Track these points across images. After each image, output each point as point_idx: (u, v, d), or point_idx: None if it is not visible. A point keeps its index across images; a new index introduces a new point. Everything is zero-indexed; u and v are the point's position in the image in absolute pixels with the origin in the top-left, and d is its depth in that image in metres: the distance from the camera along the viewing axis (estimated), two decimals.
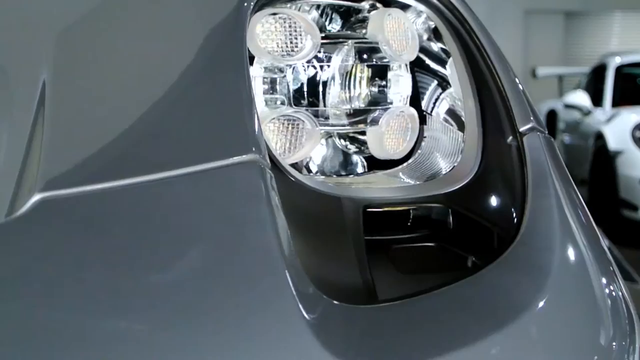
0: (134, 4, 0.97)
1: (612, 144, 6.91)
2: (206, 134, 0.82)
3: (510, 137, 0.98)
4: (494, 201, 0.95)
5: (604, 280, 0.89)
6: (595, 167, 7.28)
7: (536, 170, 0.94)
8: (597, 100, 7.94)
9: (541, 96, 10.87)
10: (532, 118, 0.99)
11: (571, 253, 0.88)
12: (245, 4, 0.92)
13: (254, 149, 0.81)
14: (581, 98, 8.03)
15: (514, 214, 0.92)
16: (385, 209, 0.94)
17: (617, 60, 8.29)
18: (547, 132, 1.01)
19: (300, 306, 0.73)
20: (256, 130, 0.83)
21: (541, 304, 0.82)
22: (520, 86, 1.02)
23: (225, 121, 0.83)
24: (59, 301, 0.69)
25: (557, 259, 0.86)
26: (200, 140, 0.81)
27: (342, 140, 1.03)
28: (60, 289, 0.69)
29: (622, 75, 8.11)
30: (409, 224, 0.98)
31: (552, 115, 9.14)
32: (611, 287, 0.89)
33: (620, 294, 0.90)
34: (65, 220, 0.73)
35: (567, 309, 0.84)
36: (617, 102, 7.77)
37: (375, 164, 1.04)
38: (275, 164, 0.89)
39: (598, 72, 8.44)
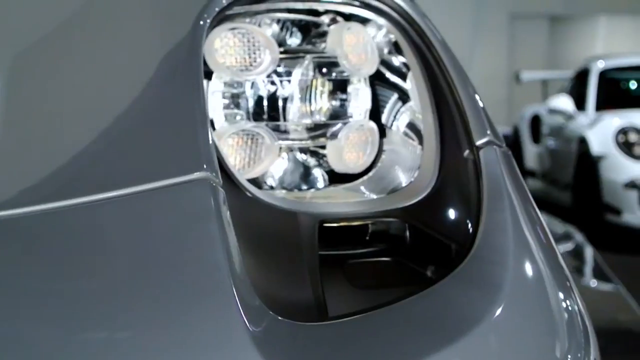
0: (91, 19, 0.96)
1: (596, 148, 6.93)
2: (158, 152, 0.82)
3: (467, 151, 0.98)
4: (450, 215, 0.95)
5: (558, 294, 0.89)
6: (579, 171, 7.30)
7: (491, 183, 0.94)
8: (580, 105, 7.97)
9: (525, 101, 10.90)
10: (488, 132, 0.99)
11: (525, 267, 0.88)
12: (202, 22, 0.92)
13: (205, 167, 0.81)
14: (564, 102, 8.05)
15: (470, 228, 0.92)
16: (342, 223, 0.94)
17: (600, 65, 8.32)
18: (505, 145, 1.01)
19: (246, 322, 0.73)
20: (208, 147, 0.83)
21: (493, 318, 0.82)
22: (478, 100, 1.02)
23: (177, 139, 0.83)
24: None
25: (510, 273, 0.86)
26: (151, 159, 0.81)
27: (303, 154, 1.03)
28: None
29: (605, 79, 8.14)
30: (367, 238, 0.98)
31: (536, 120, 9.16)
32: (567, 302, 0.90)
33: (576, 307, 0.90)
34: (8, 242, 0.72)
35: (520, 323, 0.85)
36: (601, 106, 7.79)
37: (336, 177, 1.04)
38: (232, 179, 0.89)
39: (581, 77, 8.46)
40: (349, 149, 1.01)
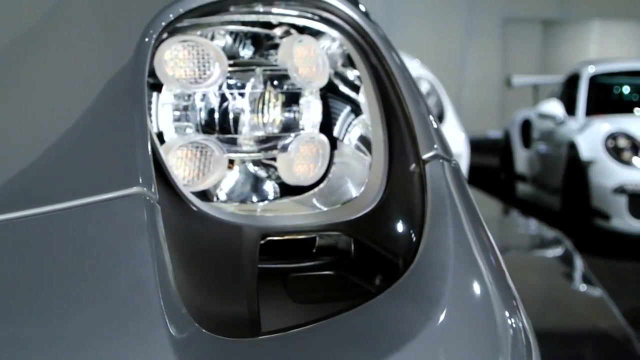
0: (36, 33, 0.96)
1: (585, 153, 6.95)
2: (95, 167, 0.82)
3: (414, 165, 0.98)
4: (394, 229, 0.95)
5: (501, 311, 0.89)
6: (568, 176, 7.32)
7: (436, 197, 0.95)
8: (571, 110, 7.98)
9: (518, 105, 10.92)
10: (436, 145, 0.99)
11: (465, 283, 0.88)
12: (147, 39, 0.91)
13: (140, 181, 0.81)
14: (554, 107, 8.07)
15: (413, 243, 0.92)
16: (286, 237, 0.94)
17: (591, 70, 8.34)
18: (452, 158, 1.02)
19: (170, 337, 0.73)
20: (146, 162, 0.83)
21: (427, 334, 0.82)
22: (427, 113, 1.03)
23: (115, 154, 0.83)
24: None
25: (449, 289, 0.86)
26: (88, 174, 0.81)
27: (254, 167, 1.03)
28: None
29: (595, 84, 8.16)
30: (312, 251, 0.98)
31: (526, 125, 9.18)
32: (511, 319, 0.90)
33: (520, 325, 0.90)
34: None
35: (457, 339, 0.84)
36: (591, 111, 7.82)
37: (288, 190, 1.04)
38: (177, 193, 0.89)
39: (572, 82, 8.48)
40: (299, 162, 1.01)
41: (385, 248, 0.94)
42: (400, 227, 0.95)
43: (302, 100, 1.03)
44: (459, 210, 0.95)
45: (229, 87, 1.00)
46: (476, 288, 0.89)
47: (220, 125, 1.00)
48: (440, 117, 4.55)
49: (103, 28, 0.95)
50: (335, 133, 1.06)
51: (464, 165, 4.53)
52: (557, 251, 5.79)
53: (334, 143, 1.05)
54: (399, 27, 15.51)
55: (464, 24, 15.77)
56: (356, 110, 1.06)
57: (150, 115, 0.96)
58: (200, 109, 0.99)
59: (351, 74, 1.07)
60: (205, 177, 0.97)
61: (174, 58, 0.96)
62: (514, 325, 0.90)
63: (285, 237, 0.95)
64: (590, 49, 16.18)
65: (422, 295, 0.86)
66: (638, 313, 4.81)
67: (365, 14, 1.07)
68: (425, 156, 0.99)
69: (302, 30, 1.05)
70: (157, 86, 0.97)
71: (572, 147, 7.21)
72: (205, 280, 0.86)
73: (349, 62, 1.06)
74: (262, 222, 0.93)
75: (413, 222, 0.94)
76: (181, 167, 0.96)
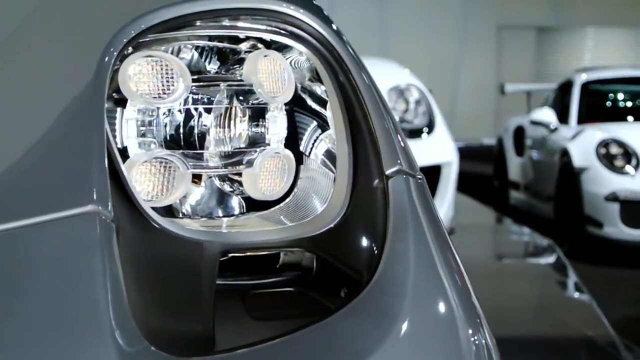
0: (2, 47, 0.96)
1: (577, 160, 6.95)
2: (50, 186, 0.81)
3: (377, 180, 0.98)
4: (356, 245, 0.95)
5: (463, 328, 0.89)
6: (561, 183, 7.32)
7: (398, 213, 0.94)
8: (563, 117, 7.99)
9: (512, 112, 10.93)
10: (399, 161, 0.99)
11: (425, 299, 0.88)
12: (107, 58, 0.91)
13: (95, 199, 0.80)
14: (547, 115, 8.08)
15: (374, 259, 0.92)
16: (247, 253, 0.94)
17: (583, 77, 8.35)
18: (418, 174, 1.01)
19: (119, 356, 0.72)
20: (103, 180, 0.83)
21: (385, 351, 0.82)
22: (393, 128, 1.02)
23: (70, 172, 0.82)
24: None
25: (408, 305, 0.86)
26: (42, 193, 0.81)
27: (220, 182, 1.03)
28: None
29: (588, 91, 8.17)
30: (274, 266, 0.98)
31: (519, 132, 9.18)
32: (474, 336, 0.89)
33: (483, 342, 0.90)
34: None
35: (415, 357, 0.84)
36: (584, 118, 7.82)
37: (254, 205, 1.03)
38: (137, 209, 0.89)
39: (565, 89, 8.49)
40: (264, 177, 1.01)
41: (346, 264, 0.94)
42: (362, 243, 0.95)
43: (268, 115, 1.03)
44: (422, 226, 0.95)
45: (194, 102, 1.00)
46: (437, 304, 0.89)
47: (185, 141, 0.99)
48: (429, 126, 4.55)
49: (66, 45, 0.95)
50: (302, 148, 1.06)
51: (453, 173, 4.52)
52: (547, 259, 5.79)
53: (300, 158, 1.05)
54: (393, 33, 15.53)
55: (458, 31, 15.79)
56: (323, 125, 1.06)
57: (114, 131, 0.96)
58: (165, 124, 0.98)
59: (319, 89, 1.07)
60: (170, 192, 0.96)
61: (138, 73, 0.95)
62: (476, 342, 0.89)
63: (246, 254, 0.94)
64: (585, 56, 16.21)
65: (380, 312, 0.85)
66: (628, 321, 4.81)
67: (334, 29, 1.06)
68: (388, 171, 0.98)
69: (269, 44, 1.05)
70: (122, 101, 0.96)
71: (565, 154, 7.21)
72: (161, 297, 0.85)
73: (317, 77, 1.06)
74: (223, 238, 0.93)
75: (375, 238, 0.94)
76: (145, 183, 0.96)
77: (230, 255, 0.94)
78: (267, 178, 1.01)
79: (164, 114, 0.98)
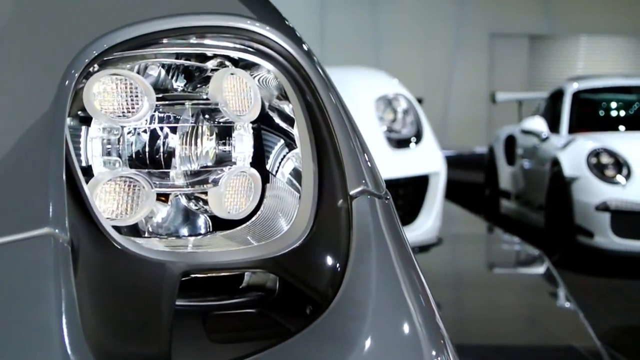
0: None
1: (568, 170, 6.96)
2: (5, 208, 0.81)
3: (341, 201, 0.97)
4: (319, 266, 0.94)
5: (427, 350, 0.88)
6: (552, 193, 7.33)
7: (361, 234, 0.94)
8: (555, 126, 8.00)
9: (505, 120, 10.94)
10: (364, 181, 0.99)
11: (387, 321, 0.87)
12: (68, 79, 0.90)
13: (51, 222, 0.80)
14: (538, 124, 8.09)
15: (336, 280, 0.91)
16: (209, 274, 0.93)
17: (574, 86, 8.36)
18: (384, 194, 1.01)
19: None
20: (60, 202, 0.82)
21: None
22: (359, 148, 1.02)
23: (27, 195, 0.82)
24: None
25: (368, 328, 0.85)
26: None
27: (187, 201, 1.02)
28: None
29: (579, 101, 8.18)
30: (236, 287, 0.97)
31: (510, 141, 9.19)
32: (437, 358, 0.88)
33: None
34: None
35: None
36: (574, 128, 7.83)
37: (221, 224, 1.03)
38: (99, 229, 0.88)
39: (556, 98, 8.50)
40: (230, 196, 1.00)
41: (308, 285, 0.93)
42: (325, 264, 0.94)
43: (234, 134, 1.02)
44: (386, 247, 0.94)
45: (160, 120, 0.99)
46: (399, 326, 0.88)
47: (150, 160, 0.99)
48: (417, 136, 4.54)
49: (28, 65, 0.94)
50: (269, 166, 1.05)
51: (441, 183, 4.52)
52: (536, 269, 5.79)
53: (267, 176, 1.04)
54: (386, 40, 15.55)
55: (451, 39, 15.82)
56: (290, 143, 1.05)
57: (79, 150, 0.95)
58: (131, 143, 0.98)
59: (287, 107, 1.06)
60: (134, 211, 0.96)
61: (102, 92, 0.95)
62: None
63: (208, 275, 0.94)
64: (578, 64, 16.24)
65: (339, 335, 0.85)
66: (617, 332, 4.81)
67: (303, 47, 1.06)
68: (352, 192, 0.98)
69: (237, 62, 1.04)
70: (88, 119, 0.96)
71: (556, 164, 7.22)
72: (118, 319, 0.85)
73: (285, 95, 1.06)
74: (185, 258, 0.92)
75: (338, 259, 0.93)
76: (109, 202, 0.95)
77: (194, 275, 0.93)
78: (233, 197, 1.01)
79: (129, 132, 0.98)
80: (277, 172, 1.05)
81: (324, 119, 1.02)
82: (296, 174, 1.04)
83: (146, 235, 1.00)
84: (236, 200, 1.01)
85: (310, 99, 1.02)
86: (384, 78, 4.88)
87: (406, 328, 0.88)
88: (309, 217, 0.97)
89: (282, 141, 1.06)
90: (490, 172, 9.69)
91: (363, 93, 4.58)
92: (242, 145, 1.02)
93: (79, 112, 0.95)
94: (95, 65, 0.95)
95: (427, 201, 4.45)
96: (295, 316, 0.93)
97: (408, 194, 4.41)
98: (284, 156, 1.05)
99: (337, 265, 0.93)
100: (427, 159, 4.48)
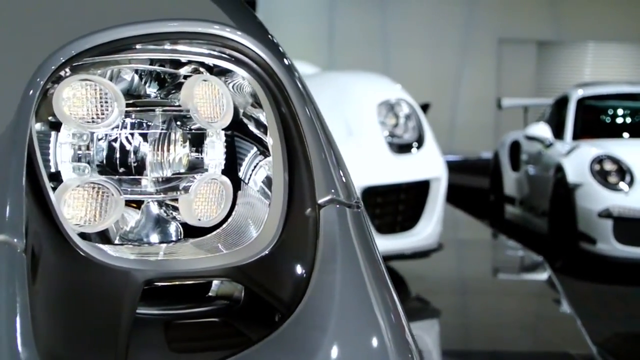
0: None
1: (571, 176, 6.94)
2: None
3: (309, 209, 0.97)
4: (284, 276, 0.93)
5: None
6: (555, 199, 7.31)
7: (327, 244, 0.93)
8: (559, 132, 7.97)
9: (512, 126, 10.91)
10: (333, 190, 0.98)
11: (350, 333, 0.86)
12: (31, 91, 0.90)
13: (7, 229, 0.80)
14: (542, 130, 8.07)
15: (299, 291, 0.91)
16: (172, 282, 0.93)
17: (579, 93, 8.33)
18: (354, 203, 1.00)
19: None
20: (17, 210, 0.82)
21: None
22: (330, 157, 1.01)
23: None
24: None
25: (329, 339, 0.85)
26: None
27: (158, 208, 1.02)
28: None
29: (583, 107, 8.15)
30: (201, 296, 0.97)
31: (515, 147, 9.17)
32: None
33: None
34: None
35: None
36: (579, 134, 7.80)
37: (193, 231, 1.02)
38: (64, 236, 0.88)
39: (561, 104, 8.48)
40: (200, 203, 1.00)
41: (272, 295, 0.92)
42: (290, 273, 0.94)
43: (206, 141, 1.02)
44: (353, 257, 0.94)
45: (132, 126, 0.99)
46: (363, 338, 0.87)
47: (120, 166, 0.98)
48: (419, 141, 4.54)
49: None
50: (241, 174, 1.05)
51: (442, 189, 4.51)
52: (536, 276, 5.77)
53: (239, 184, 1.04)
54: (394, 45, 15.54)
55: (459, 44, 15.80)
56: (264, 151, 1.05)
57: (48, 155, 0.95)
58: (102, 149, 0.97)
59: (262, 115, 1.06)
60: (103, 218, 0.95)
61: (72, 97, 0.94)
62: None
63: (172, 283, 0.93)
64: (585, 70, 16.20)
65: (299, 346, 0.84)
66: (618, 339, 4.79)
67: (279, 54, 1.05)
68: (321, 201, 0.97)
69: (212, 69, 1.04)
70: (57, 125, 0.95)
71: (559, 170, 7.20)
72: (75, 327, 0.84)
73: (259, 102, 1.05)
74: (150, 266, 0.91)
75: (304, 269, 0.93)
76: (78, 208, 0.95)
77: (160, 284, 0.93)
78: (203, 204, 1.00)
79: (100, 138, 0.97)
80: (249, 180, 1.04)
81: (296, 127, 1.01)
82: (269, 182, 1.03)
83: (117, 242, 0.99)
84: (207, 207, 1.00)
85: (283, 106, 1.02)
86: (386, 83, 4.87)
87: (371, 340, 0.87)
88: (277, 226, 0.97)
89: (255, 149, 1.05)
90: (495, 177, 9.67)
91: (365, 98, 4.58)
92: (214, 152, 1.02)
93: (50, 118, 0.95)
94: (67, 70, 0.95)
95: (428, 206, 4.44)
96: (259, 326, 0.93)
97: (409, 199, 4.40)
98: (257, 164, 1.05)
99: (303, 274, 0.92)
100: (429, 164, 4.48)
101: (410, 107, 4.60)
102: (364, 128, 4.41)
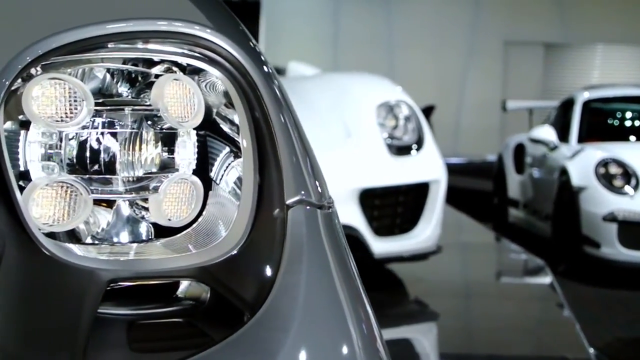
0: None
1: (576, 179, 6.92)
2: None
3: (277, 210, 0.96)
4: (250, 277, 0.93)
5: None
6: (559, 202, 7.28)
7: (294, 244, 0.92)
8: (564, 135, 7.95)
9: (518, 128, 10.89)
10: (303, 191, 0.97)
11: (312, 334, 0.85)
12: (3, 80, 0.90)
13: None
14: (547, 133, 8.04)
15: (264, 292, 0.90)
16: (136, 282, 0.92)
17: (585, 95, 8.30)
18: (326, 204, 0.99)
19: None
20: None
21: None
22: (302, 157, 1.01)
23: None
24: None
25: (291, 340, 0.84)
26: None
27: (129, 207, 1.01)
28: None
29: (589, 110, 8.12)
30: (178, 295, 0.96)
31: (520, 149, 9.14)
32: None
33: None
34: None
35: None
36: (584, 137, 7.78)
37: (164, 231, 1.02)
38: (29, 235, 0.87)
39: (566, 107, 8.45)
40: (170, 203, 0.99)
41: (237, 296, 0.92)
42: (256, 274, 0.93)
43: (177, 141, 1.01)
44: (321, 259, 0.93)
45: (102, 125, 0.98)
46: (327, 341, 0.86)
47: (91, 165, 0.98)
48: (418, 143, 4.53)
49: None
50: (213, 174, 1.04)
51: (441, 191, 4.50)
52: (537, 279, 5.76)
53: (209, 184, 1.03)
54: (399, 47, 15.53)
55: (465, 46, 15.78)
56: (237, 152, 1.04)
57: (17, 154, 0.94)
58: (71, 148, 0.97)
59: (236, 115, 1.05)
60: (71, 217, 0.95)
61: (41, 95, 0.94)
62: None
63: (137, 283, 0.92)
64: (593, 73, 16.16)
65: (260, 347, 0.83)
66: (620, 343, 4.78)
67: (253, 53, 1.04)
68: (289, 201, 0.96)
69: (185, 68, 1.03)
70: (27, 123, 0.95)
71: (564, 173, 7.18)
72: (32, 326, 0.84)
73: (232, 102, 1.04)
74: (114, 266, 0.91)
75: (269, 270, 0.92)
76: (46, 207, 0.94)
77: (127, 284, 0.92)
78: (173, 204, 0.99)
79: (71, 137, 0.97)
80: (221, 180, 1.04)
81: (267, 127, 1.00)
82: (240, 182, 1.03)
83: (89, 241, 0.99)
84: (177, 207, 1.00)
85: (256, 105, 1.01)
86: (386, 85, 4.86)
87: (337, 343, 0.87)
88: (246, 226, 0.96)
89: (227, 149, 1.04)
90: (499, 180, 9.64)
91: (365, 99, 4.58)
92: (185, 152, 1.01)
93: (20, 116, 0.95)
94: (38, 69, 0.94)
95: (427, 209, 4.43)
96: (224, 327, 0.92)
97: (408, 201, 4.40)
98: (229, 164, 1.04)
99: (268, 275, 0.92)
100: (428, 167, 4.47)
101: (410, 108, 4.59)
102: (362, 129, 4.41)
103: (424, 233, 4.41)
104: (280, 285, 0.89)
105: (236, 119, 1.04)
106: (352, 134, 4.37)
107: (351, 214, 4.14)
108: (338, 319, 0.89)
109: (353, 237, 4.14)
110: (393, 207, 4.35)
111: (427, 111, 11.15)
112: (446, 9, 15.60)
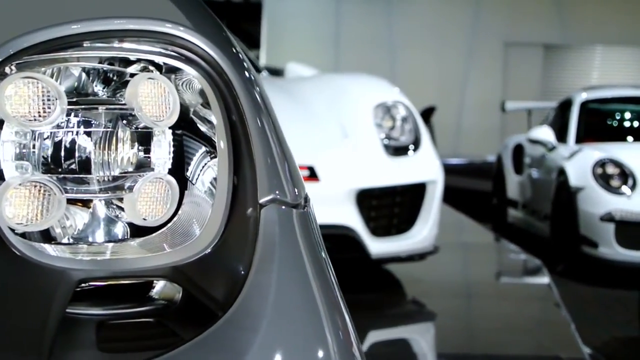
0: None
1: (574, 180, 6.92)
2: None
3: (251, 209, 0.96)
4: (221, 277, 0.92)
5: None
6: (557, 202, 7.28)
7: (267, 244, 0.92)
8: (563, 136, 7.95)
9: (518, 129, 10.88)
10: (277, 190, 0.97)
11: (282, 334, 0.85)
12: None
13: None
14: (545, 133, 8.04)
15: (235, 291, 0.90)
16: (107, 282, 0.92)
17: (583, 96, 8.30)
18: (301, 204, 0.99)
19: None
20: None
21: None
22: (278, 155, 1.00)
23: None
24: None
25: (260, 340, 0.83)
26: None
27: (104, 207, 1.01)
28: None
29: (587, 110, 8.12)
30: (152, 295, 0.96)
31: (518, 150, 9.14)
32: None
33: None
34: None
35: None
36: (582, 138, 7.78)
37: (141, 230, 1.01)
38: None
39: (564, 107, 8.44)
40: (144, 202, 0.99)
41: (208, 295, 0.91)
42: (228, 274, 0.92)
43: (153, 140, 1.01)
44: (294, 258, 0.92)
45: (77, 125, 0.98)
46: (298, 340, 0.86)
47: (65, 165, 0.97)
48: (415, 144, 4.53)
49: None
50: (189, 174, 1.04)
51: (438, 192, 4.50)
52: (533, 280, 5.76)
53: (185, 184, 1.03)
54: (400, 48, 15.52)
55: (465, 47, 15.77)
56: (213, 151, 1.04)
57: None
58: (46, 147, 0.97)
59: (212, 114, 1.05)
60: (44, 217, 0.94)
61: (14, 94, 0.94)
62: None
63: (108, 283, 0.92)
64: (593, 74, 16.15)
65: (228, 346, 0.83)
66: (617, 343, 4.78)
67: (230, 52, 1.04)
68: (262, 200, 0.96)
69: (161, 67, 1.03)
70: (1, 122, 0.95)
71: (562, 173, 7.18)
72: (1, 327, 0.83)
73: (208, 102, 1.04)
74: (85, 265, 0.91)
75: (241, 269, 0.92)
76: (20, 207, 0.94)
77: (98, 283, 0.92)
78: (148, 203, 0.99)
79: (46, 137, 0.96)
80: (197, 179, 1.03)
81: (242, 126, 1.00)
82: (216, 182, 1.02)
83: (64, 241, 0.98)
84: (152, 207, 0.99)
85: (231, 104, 1.01)
86: (383, 85, 4.86)
87: (308, 342, 0.86)
88: (219, 226, 0.96)
89: (204, 149, 1.04)
90: (498, 180, 9.64)
91: (362, 99, 4.58)
92: (160, 151, 1.01)
93: None
94: (13, 67, 0.94)
95: (424, 209, 4.43)
96: (195, 326, 0.92)
97: (404, 202, 4.40)
98: (206, 164, 1.04)
99: (240, 275, 0.91)
100: (425, 167, 4.47)
101: (407, 109, 4.59)
102: (360, 130, 4.41)
103: (421, 233, 4.41)
104: (251, 285, 0.88)
105: (213, 119, 1.03)
106: (349, 135, 4.37)
107: (348, 214, 4.14)
108: (311, 319, 0.88)
109: (350, 238, 4.14)
110: (390, 207, 4.35)
111: (428, 112, 11.15)
112: (447, 10, 15.60)
